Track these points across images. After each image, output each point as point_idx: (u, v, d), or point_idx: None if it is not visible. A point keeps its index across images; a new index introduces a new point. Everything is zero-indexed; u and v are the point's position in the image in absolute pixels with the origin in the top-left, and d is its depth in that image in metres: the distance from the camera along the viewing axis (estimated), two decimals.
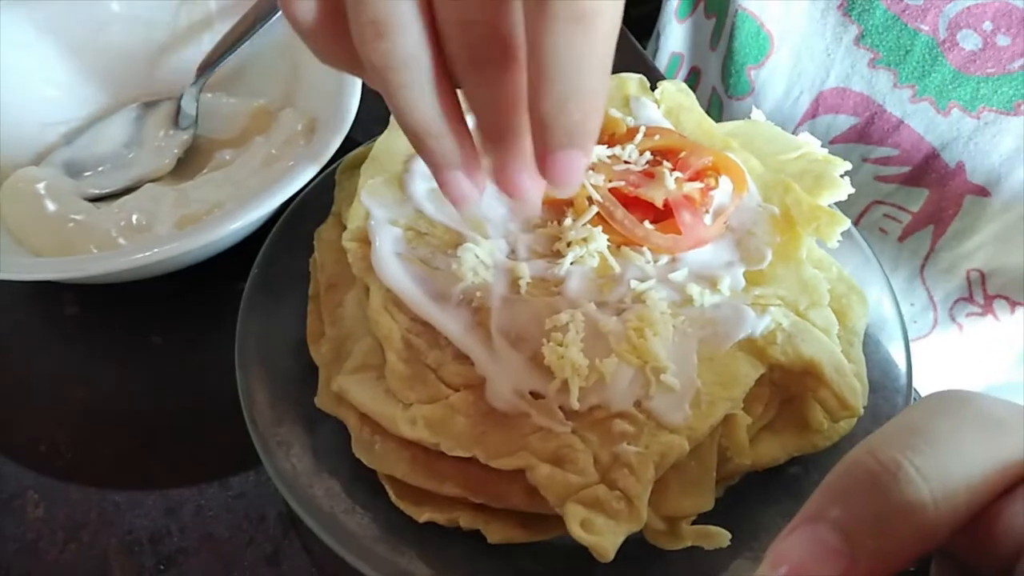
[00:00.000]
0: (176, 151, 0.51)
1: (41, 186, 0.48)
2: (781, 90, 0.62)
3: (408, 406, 0.37)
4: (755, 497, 0.38)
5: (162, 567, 0.38)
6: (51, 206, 0.48)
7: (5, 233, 0.47)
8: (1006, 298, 0.57)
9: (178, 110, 0.53)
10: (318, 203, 0.47)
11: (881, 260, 0.44)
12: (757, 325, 0.38)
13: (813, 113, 0.62)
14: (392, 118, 0.47)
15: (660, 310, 0.38)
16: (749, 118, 0.49)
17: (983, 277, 0.57)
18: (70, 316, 0.47)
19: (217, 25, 0.54)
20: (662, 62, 0.71)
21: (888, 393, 0.41)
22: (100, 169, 0.51)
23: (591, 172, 0.42)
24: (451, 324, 0.39)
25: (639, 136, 0.44)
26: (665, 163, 0.43)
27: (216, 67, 0.53)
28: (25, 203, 0.48)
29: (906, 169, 0.57)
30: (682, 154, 0.44)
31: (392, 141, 0.46)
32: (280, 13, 0.52)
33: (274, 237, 0.45)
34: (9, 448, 0.42)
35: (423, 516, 0.36)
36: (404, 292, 0.40)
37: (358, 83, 0.48)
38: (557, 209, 0.43)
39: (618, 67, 0.50)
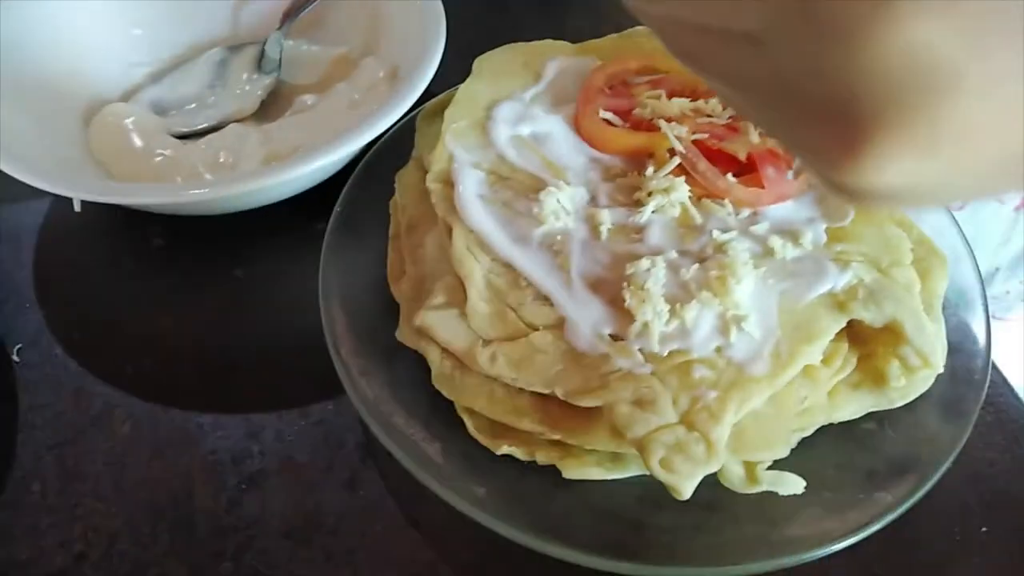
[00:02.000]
0: (260, 93, 0.52)
1: (129, 121, 0.50)
2: None
3: (488, 343, 0.38)
4: (827, 449, 0.38)
5: (243, 486, 0.39)
6: (139, 141, 0.49)
7: (95, 165, 0.48)
8: None
9: (261, 55, 0.54)
10: (397, 148, 0.48)
11: (990, 233, 0.42)
12: (839, 280, 0.38)
13: None
14: (475, 65, 0.48)
15: (742, 260, 0.38)
16: None
17: None
18: (156, 248, 0.48)
19: None
20: None
21: (966, 356, 0.40)
22: (185, 108, 0.52)
23: (674, 123, 0.42)
24: (532, 266, 0.39)
25: None
26: None
27: (301, 13, 0.53)
28: (114, 137, 0.49)
29: None
30: None
31: (475, 88, 0.46)
32: None
33: (356, 179, 0.46)
34: (97, 368, 0.43)
35: (501, 448, 0.37)
36: (486, 234, 0.40)
37: (442, 31, 0.48)
38: (637, 160, 0.44)
39: None
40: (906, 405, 0.39)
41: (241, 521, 0.38)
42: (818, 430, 0.38)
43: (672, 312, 0.37)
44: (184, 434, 0.41)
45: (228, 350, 0.44)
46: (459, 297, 0.40)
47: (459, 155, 0.43)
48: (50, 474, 0.40)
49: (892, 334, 0.38)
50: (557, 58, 0.48)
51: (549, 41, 0.49)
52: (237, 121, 0.51)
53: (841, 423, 0.38)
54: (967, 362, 0.40)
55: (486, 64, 0.48)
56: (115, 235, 0.49)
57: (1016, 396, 0.43)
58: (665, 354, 0.36)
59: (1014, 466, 0.40)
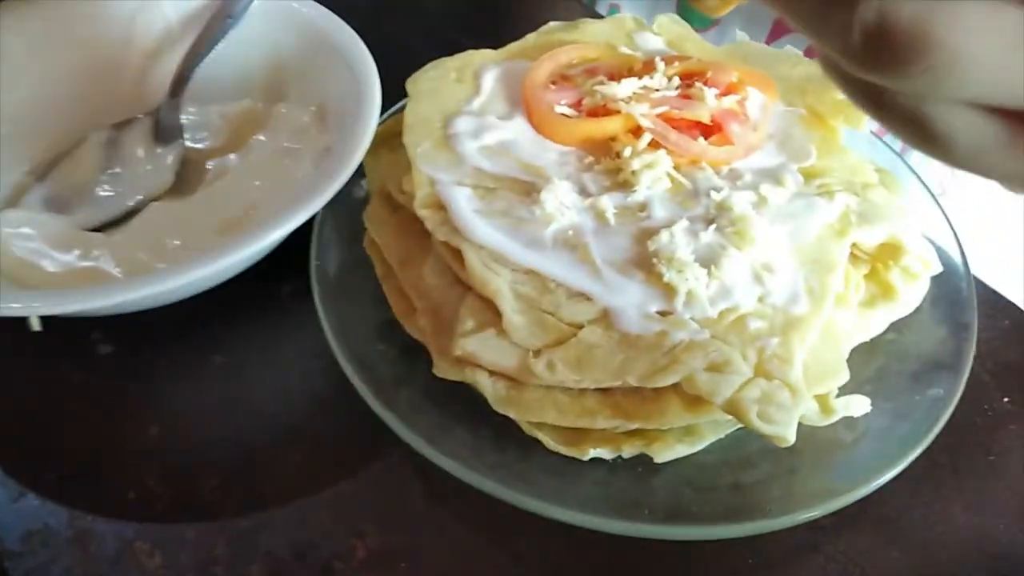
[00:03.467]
0: (171, 163, 0.47)
1: (28, 229, 0.43)
2: None
3: (539, 352, 0.37)
4: (864, 366, 0.40)
5: None
6: (50, 245, 0.43)
7: (7, 286, 0.41)
8: None
9: (156, 126, 0.49)
10: (343, 190, 0.45)
11: None
12: (831, 211, 0.41)
13: None
14: (409, 87, 0.46)
15: (748, 212, 0.40)
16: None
17: None
18: (105, 356, 0.42)
19: (179, 34, 0.51)
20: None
21: (946, 259, 0.44)
22: (92, 198, 0.46)
23: (632, 103, 0.43)
24: (555, 266, 0.39)
25: (660, 65, 0.46)
26: (697, 83, 0.45)
27: (191, 76, 0.49)
28: (18, 249, 0.43)
29: None
30: (708, 74, 0.45)
31: (420, 109, 0.45)
32: (246, 8, 0.49)
33: (320, 227, 0.43)
34: (93, 505, 0.37)
35: (588, 453, 0.36)
36: (500, 246, 0.39)
37: (369, 61, 0.46)
38: (602, 146, 0.44)
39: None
40: (915, 312, 0.42)
41: None
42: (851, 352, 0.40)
43: (709, 274, 0.37)
44: (229, 545, 0.36)
45: (239, 441, 0.40)
46: (488, 317, 0.39)
47: (439, 176, 0.41)
48: None
49: (888, 248, 0.41)
50: (490, 65, 0.48)
51: (472, 51, 0.49)
52: (156, 200, 0.46)
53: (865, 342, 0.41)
54: (949, 276, 0.43)
55: (419, 85, 0.47)
56: (50, 355, 0.43)
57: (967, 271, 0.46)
58: (716, 315, 0.37)
59: (1002, 336, 0.44)
